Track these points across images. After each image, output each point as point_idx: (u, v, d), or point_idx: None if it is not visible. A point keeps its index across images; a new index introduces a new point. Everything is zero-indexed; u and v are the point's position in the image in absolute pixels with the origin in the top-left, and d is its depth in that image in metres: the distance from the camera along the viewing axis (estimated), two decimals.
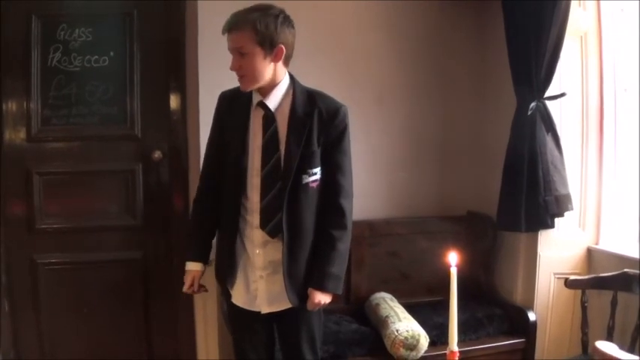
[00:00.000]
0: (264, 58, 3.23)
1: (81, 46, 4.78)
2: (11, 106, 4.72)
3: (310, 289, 3.37)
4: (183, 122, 4.94)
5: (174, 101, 4.94)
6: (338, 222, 3.44)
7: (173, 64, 4.92)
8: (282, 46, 3.24)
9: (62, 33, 4.75)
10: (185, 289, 3.55)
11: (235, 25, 3.19)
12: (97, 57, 4.81)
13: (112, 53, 4.83)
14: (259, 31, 3.16)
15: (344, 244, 3.46)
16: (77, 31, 4.77)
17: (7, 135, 4.73)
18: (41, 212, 4.82)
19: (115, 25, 4.86)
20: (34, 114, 4.75)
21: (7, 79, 4.68)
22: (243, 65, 3.23)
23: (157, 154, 4.90)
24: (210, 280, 4.61)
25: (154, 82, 4.90)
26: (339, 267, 3.44)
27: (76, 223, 4.87)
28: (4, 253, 4.75)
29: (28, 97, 4.73)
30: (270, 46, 3.21)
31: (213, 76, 4.60)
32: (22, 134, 4.76)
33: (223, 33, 3.24)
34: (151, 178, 4.96)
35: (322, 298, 3.37)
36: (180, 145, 4.94)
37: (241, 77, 3.28)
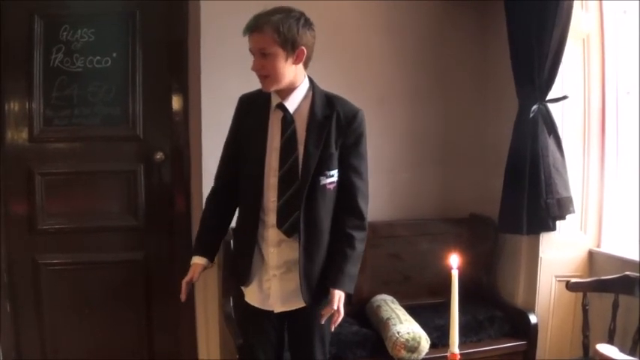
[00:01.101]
0: (286, 59, 3.25)
1: (83, 46, 4.79)
2: (13, 106, 4.72)
3: (332, 289, 3.35)
4: (185, 123, 4.94)
5: (176, 102, 4.95)
6: (357, 224, 3.47)
7: (175, 65, 4.93)
8: (304, 48, 3.28)
9: (64, 33, 4.76)
10: (186, 280, 3.47)
11: (258, 26, 3.20)
12: (99, 58, 4.82)
13: (114, 54, 4.84)
14: (282, 33, 3.19)
15: (362, 246, 3.50)
16: (79, 31, 4.78)
17: (10, 135, 4.73)
18: (43, 212, 4.83)
19: (118, 25, 4.87)
20: (36, 114, 4.75)
21: (9, 79, 4.68)
22: (265, 66, 3.25)
23: (159, 155, 4.91)
24: (212, 281, 4.63)
25: (156, 83, 4.91)
26: (356, 268, 3.48)
27: (77, 224, 4.89)
28: (5, 253, 4.75)
29: (30, 97, 4.73)
30: (292, 47, 3.24)
31: (216, 78, 4.62)
32: (25, 134, 4.76)
33: (245, 34, 3.25)
34: (153, 179, 4.97)
35: (341, 297, 3.36)
36: (182, 146, 4.95)
37: (263, 78, 3.29)
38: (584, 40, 4.71)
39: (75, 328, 4.89)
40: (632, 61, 4.60)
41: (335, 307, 3.30)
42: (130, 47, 4.86)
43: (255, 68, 3.27)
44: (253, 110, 3.45)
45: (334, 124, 3.38)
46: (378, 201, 4.99)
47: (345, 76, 4.94)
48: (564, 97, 4.61)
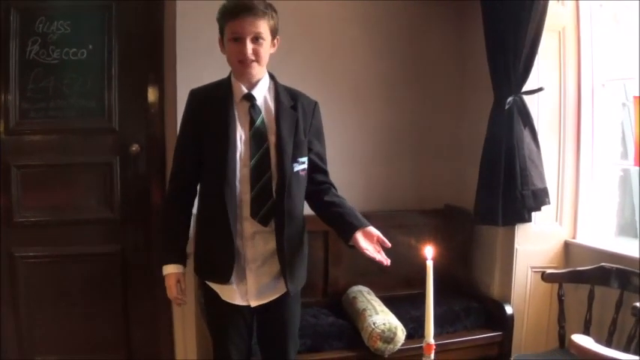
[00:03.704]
0: (269, 47, 3.28)
1: (59, 38, 4.70)
2: None
3: (368, 228, 3.27)
4: (160, 115, 4.87)
5: (152, 94, 4.87)
6: (338, 194, 3.51)
7: (151, 57, 4.85)
8: (279, 37, 3.33)
9: (40, 25, 4.67)
10: (175, 293, 3.40)
11: (258, 10, 3.17)
12: (75, 50, 4.73)
13: (90, 46, 4.76)
14: (273, 19, 3.23)
15: None
16: (56, 23, 4.69)
17: None
18: (19, 205, 4.74)
19: (94, 17, 4.78)
20: (11, 107, 4.67)
21: None
22: (257, 51, 3.21)
23: (135, 147, 4.84)
24: (188, 276, 4.55)
25: (132, 75, 4.83)
26: None
27: (54, 217, 4.79)
28: None
29: (5, 89, 4.65)
30: (273, 36, 3.28)
31: (191, 69, 4.56)
32: (0, 127, 4.66)
33: (238, 16, 3.17)
34: (129, 171, 4.89)
35: None
36: (158, 138, 4.87)
37: (252, 63, 3.23)
38: (559, 32, 4.67)
39: (52, 320, 4.80)
40: (608, 53, 4.62)
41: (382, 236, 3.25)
42: (106, 39, 4.77)
43: (247, 53, 3.19)
44: (213, 104, 3.34)
45: (300, 114, 3.38)
46: (353, 193, 4.93)
47: (320, 70, 4.99)
48: (540, 89, 4.57)
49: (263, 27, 3.18)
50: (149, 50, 4.86)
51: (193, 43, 4.58)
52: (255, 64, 3.24)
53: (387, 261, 3.21)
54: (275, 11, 3.24)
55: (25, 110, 4.70)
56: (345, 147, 4.97)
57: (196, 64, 4.51)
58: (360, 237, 3.24)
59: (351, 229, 3.28)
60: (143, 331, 4.98)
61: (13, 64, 4.65)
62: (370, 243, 3.24)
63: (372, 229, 3.27)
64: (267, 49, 3.24)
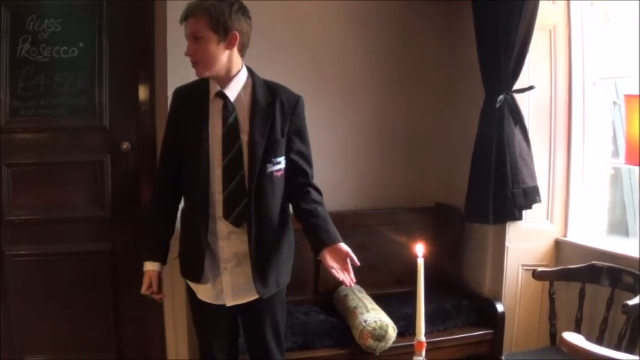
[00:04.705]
0: (218, 43, 3.20)
1: (50, 36, 4.66)
2: None
3: (337, 245, 3.25)
4: (151, 113, 4.83)
5: (142, 92, 4.83)
6: (319, 199, 3.45)
7: (142, 55, 4.81)
8: (237, 32, 3.22)
9: (31, 24, 4.62)
10: (143, 290, 3.44)
11: (190, 12, 3.20)
12: (65, 48, 4.68)
13: (81, 44, 4.71)
14: (213, 17, 3.15)
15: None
16: (46, 21, 4.64)
17: None
18: (9, 204, 4.68)
19: (85, 16, 4.73)
20: (2, 105, 4.61)
21: None
22: (197, 50, 3.21)
23: (126, 145, 4.80)
24: (177, 270, 4.51)
25: (122, 73, 4.79)
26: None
27: (44, 215, 4.74)
28: None
29: None
30: (224, 32, 3.19)
31: (182, 67, 4.47)
32: None
33: (181, 22, 3.27)
34: (120, 169, 4.85)
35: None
36: (148, 136, 4.82)
37: (195, 63, 3.25)
38: (550, 31, 4.68)
39: (42, 319, 4.74)
40: (599, 52, 4.61)
41: (352, 254, 3.23)
42: (97, 37, 4.73)
43: (188, 53, 3.25)
44: (191, 102, 3.35)
45: (278, 111, 3.33)
46: (344, 191, 4.97)
47: (310, 68, 4.98)
48: (530, 88, 4.57)
49: (198, 26, 3.18)
50: (140, 48, 4.82)
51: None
52: (199, 65, 3.25)
53: (350, 283, 3.23)
54: (220, 6, 3.19)
55: (15, 108, 4.65)
56: (335, 145, 4.96)
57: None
58: (327, 256, 3.24)
59: (320, 245, 3.27)
60: (134, 330, 4.93)
61: (4, 62, 4.60)
62: (337, 261, 3.24)
63: (341, 246, 3.25)
64: (212, 47, 3.20)
